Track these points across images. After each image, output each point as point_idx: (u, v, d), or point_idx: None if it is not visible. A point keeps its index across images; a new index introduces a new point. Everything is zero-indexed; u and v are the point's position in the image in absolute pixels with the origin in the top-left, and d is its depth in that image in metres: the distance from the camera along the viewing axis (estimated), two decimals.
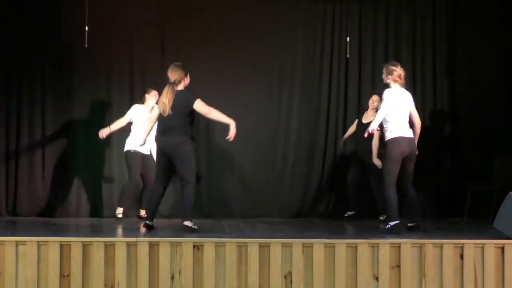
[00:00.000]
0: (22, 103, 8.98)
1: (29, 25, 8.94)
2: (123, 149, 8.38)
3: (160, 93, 8.15)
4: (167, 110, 6.71)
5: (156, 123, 6.95)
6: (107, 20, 9.03)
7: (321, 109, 9.34)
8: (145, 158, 8.33)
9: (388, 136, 6.92)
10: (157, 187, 6.94)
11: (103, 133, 8.16)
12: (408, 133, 6.95)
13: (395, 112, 6.90)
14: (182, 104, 6.73)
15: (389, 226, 6.76)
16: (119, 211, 8.28)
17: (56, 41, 9.02)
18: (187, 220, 6.73)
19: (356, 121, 8.81)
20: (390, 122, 6.91)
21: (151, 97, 8.39)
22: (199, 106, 6.77)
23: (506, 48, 9.16)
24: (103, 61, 9.11)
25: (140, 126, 8.12)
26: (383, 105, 6.90)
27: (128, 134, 8.35)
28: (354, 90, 9.31)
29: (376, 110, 8.52)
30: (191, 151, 6.84)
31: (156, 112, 6.96)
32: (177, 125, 6.73)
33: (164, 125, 6.77)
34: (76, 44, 8.66)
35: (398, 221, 6.77)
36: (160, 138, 6.84)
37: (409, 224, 6.99)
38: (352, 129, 8.87)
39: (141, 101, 8.49)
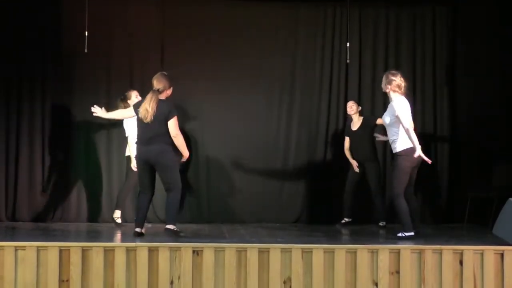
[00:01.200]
0: (22, 109, 8.96)
1: (29, 30, 8.95)
2: (125, 154, 8.37)
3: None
4: (149, 118, 6.68)
5: (137, 132, 6.92)
6: (107, 26, 9.03)
7: (321, 114, 9.34)
8: None
9: (399, 147, 6.86)
10: (145, 196, 6.89)
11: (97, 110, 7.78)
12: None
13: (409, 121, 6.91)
14: (164, 114, 6.70)
15: (404, 235, 6.72)
16: (117, 214, 8.22)
17: (56, 46, 9.03)
18: (170, 224, 6.74)
19: (347, 138, 8.83)
20: (401, 132, 6.86)
21: (133, 97, 8.15)
22: (172, 124, 6.74)
23: (506, 55, 9.15)
24: (103, 66, 9.12)
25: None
26: (403, 117, 6.77)
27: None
28: (354, 95, 9.30)
29: (360, 114, 8.75)
30: (174, 158, 6.85)
31: (132, 113, 6.97)
32: (159, 133, 6.71)
33: (147, 134, 6.74)
34: (76, 50, 8.66)
35: (413, 233, 6.75)
36: (142, 147, 6.80)
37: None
38: (347, 145, 8.84)
39: (125, 107, 8.16)
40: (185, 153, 6.91)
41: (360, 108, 8.84)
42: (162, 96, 6.82)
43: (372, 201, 8.63)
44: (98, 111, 7.32)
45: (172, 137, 6.76)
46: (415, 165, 6.94)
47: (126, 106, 8.11)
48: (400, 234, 6.74)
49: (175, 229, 6.73)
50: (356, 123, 8.75)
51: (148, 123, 6.70)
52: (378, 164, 8.71)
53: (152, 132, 6.70)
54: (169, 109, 6.74)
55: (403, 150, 6.82)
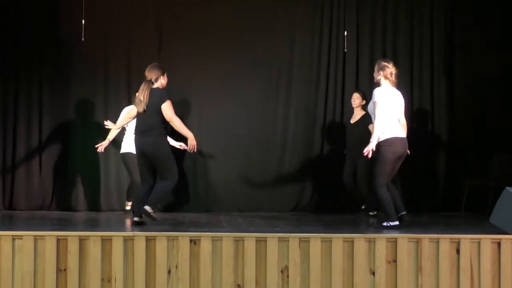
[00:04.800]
0: (19, 98, 8.97)
1: (25, 18, 8.92)
2: (120, 148, 8.37)
3: None
4: (142, 107, 6.66)
5: (135, 123, 6.91)
6: (104, 15, 9.00)
7: (318, 103, 9.32)
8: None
9: (381, 137, 6.67)
10: (145, 187, 6.84)
11: (102, 147, 8.13)
12: (401, 133, 6.76)
13: (387, 112, 6.70)
14: (156, 103, 6.65)
15: (388, 225, 6.66)
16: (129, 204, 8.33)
17: (53, 35, 9.00)
18: (149, 205, 6.63)
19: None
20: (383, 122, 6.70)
21: None
22: (165, 107, 6.66)
23: (504, 45, 9.13)
24: (100, 56, 9.09)
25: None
26: (377, 111, 6.65)
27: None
28: (351, 84, 9.29)
29: (362, 108, 8.44)
30: (170, 150, 6.82)
31: (135, 110, 6.89)
32: (154, 125, 6.67)
33: (143, 125, 6.71)
34: (73, 39, 8.64)
35: (397, 222, 6.68)
36: (139, 138, 6.76)
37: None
38: None
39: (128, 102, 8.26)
40: (188, 134, 6.78)
41: (364, 102, 8.46)
42: (157, 85, 6.78)
43: (360, 192, 8.47)
44: (110, 124, 7.42)
45: (168, 121, 6.69)
46: (399, 156, 6.76)
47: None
48: (385, 224, 6.68)
49: (151, 213, 6.63)
50: (355, 116, 8.56)
51: (143, 114, 6.69)
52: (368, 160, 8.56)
53: (147, 124, 6.68)
54: (160, 95, 6.68)
55: (386, 140, 6.66)
